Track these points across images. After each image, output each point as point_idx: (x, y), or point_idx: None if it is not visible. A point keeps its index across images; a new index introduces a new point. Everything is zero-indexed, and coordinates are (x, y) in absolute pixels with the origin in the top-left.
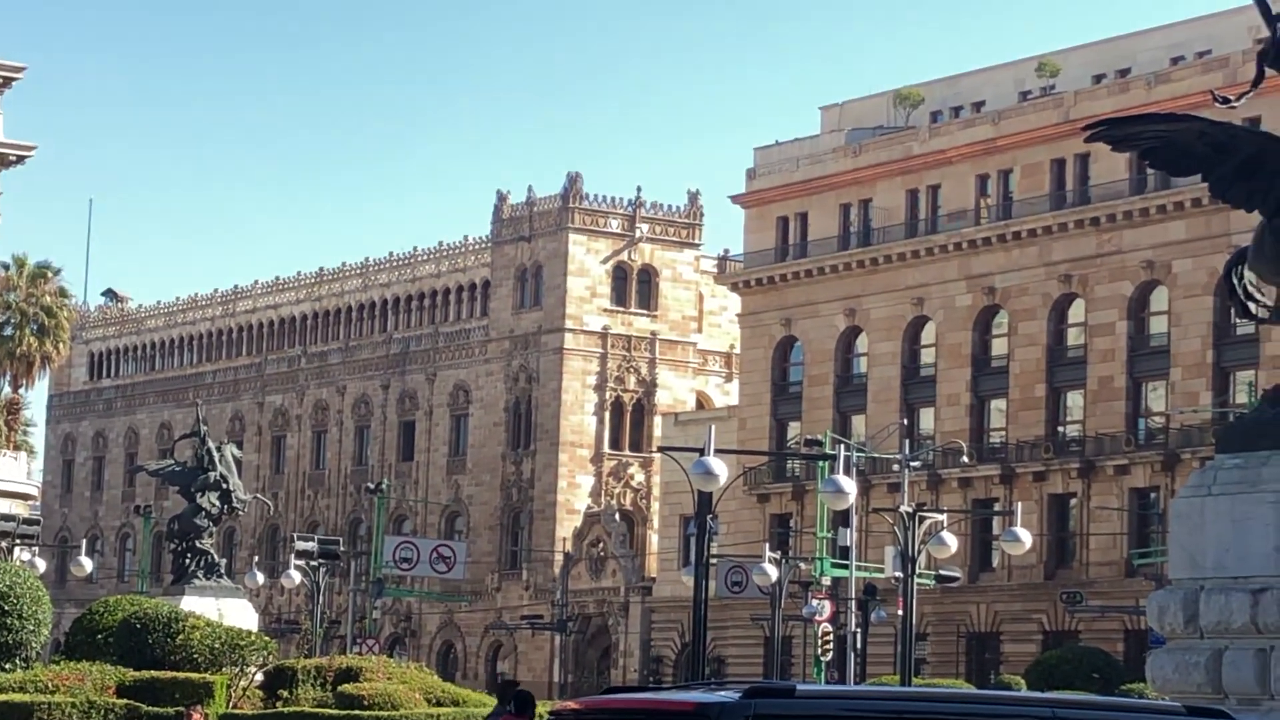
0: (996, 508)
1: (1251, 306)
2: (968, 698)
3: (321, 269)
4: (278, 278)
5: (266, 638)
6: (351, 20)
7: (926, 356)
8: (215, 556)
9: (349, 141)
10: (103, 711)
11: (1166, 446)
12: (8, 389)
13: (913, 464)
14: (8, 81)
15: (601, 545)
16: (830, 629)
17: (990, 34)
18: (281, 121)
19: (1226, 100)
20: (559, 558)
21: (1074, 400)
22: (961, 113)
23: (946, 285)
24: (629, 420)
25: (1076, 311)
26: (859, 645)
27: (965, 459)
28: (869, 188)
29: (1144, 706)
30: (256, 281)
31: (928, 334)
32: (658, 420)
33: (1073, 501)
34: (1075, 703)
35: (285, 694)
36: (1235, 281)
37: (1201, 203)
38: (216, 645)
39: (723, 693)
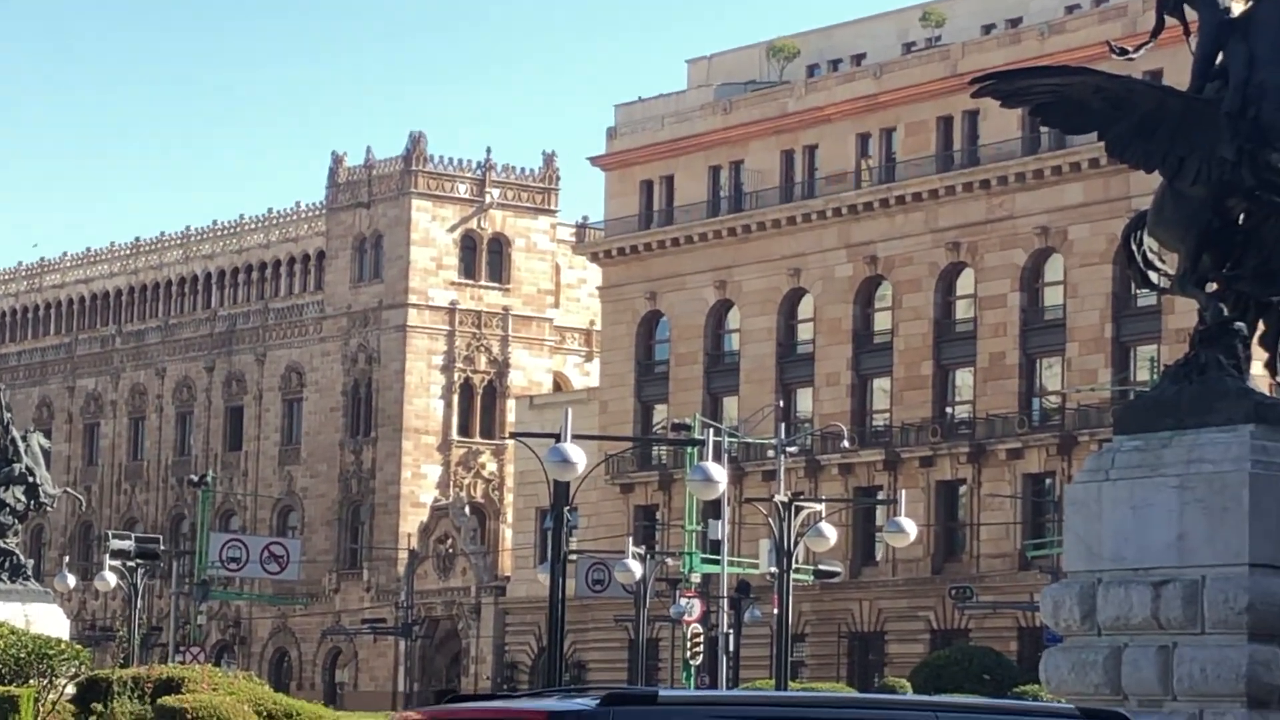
0: (880, 496)
1: (1152, 276)
2: (848, 702)
3: (138, 239)
4: (89, 249)
5: (78, 646)
6: None
7: (804, 332)
8: (21, 557)
9: (168, 97)
10: None
11: (1063, 428)
12: None
13: (789, 450)
14: None
15: (450, 541)
16: (700, 630)
17: None
18: (91, 74)
19: (1124, 52)
20: (403, 555)
21: (963, 379)
22: (840, 66)
23: (825, 255)
24: (479, 404)
25: (965, 282)
26: (731, 647)
27: (846, 444)
28: (740, 148)
29: (1036, 710)
30: (65, 254)
31: (805, 308)
32: (511, 404)
33: (962, 489)
34: (962, 706)
35: (99, 708)
36: (1135, 249)
37: (1099, 164)
38: (22, 655)
39: (579, 700)
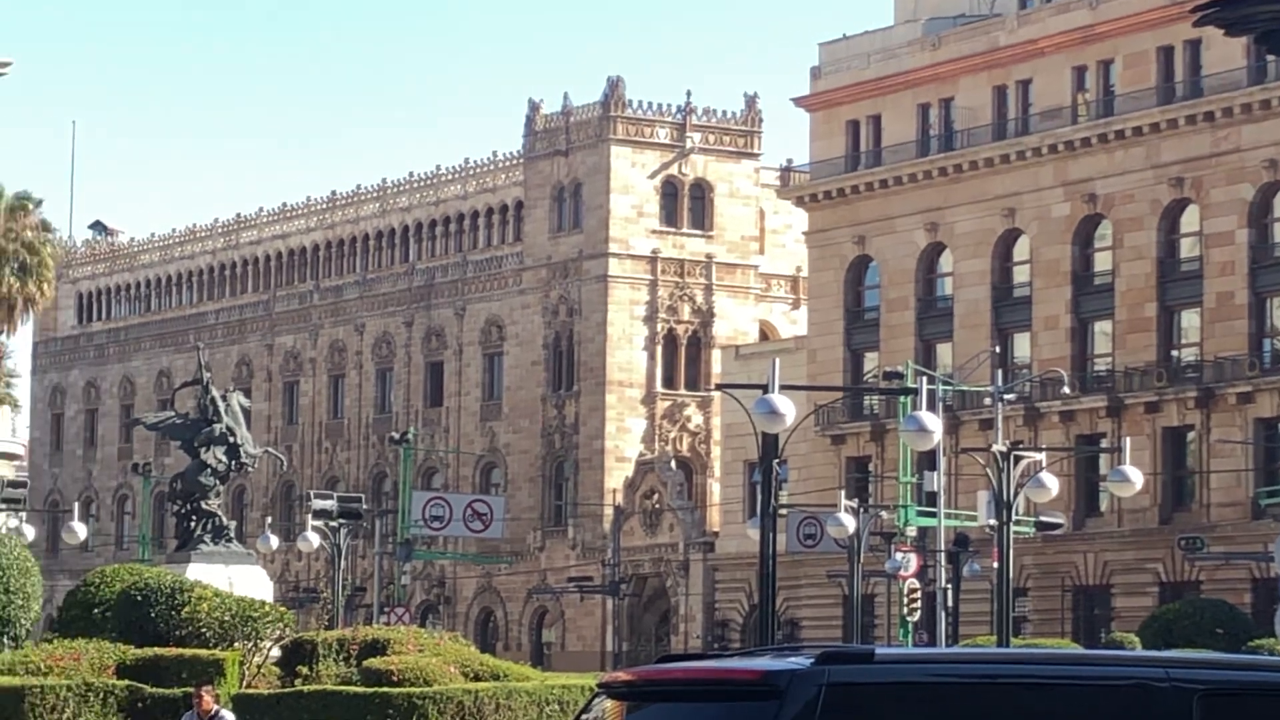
0: (1103, 444)
1: None
2: (1074, 659)
3: (334, 193)
4: (285, 204)
5: (283, 608)
6: None
7: (1020, 275)
8: (223, 519)
9: (362, 51)
10: (101, 694)
11: None
12: None
13: (1007, 397)
14: None
15: (656, 497)
16: (917, 585)
17: None
18: (287, 31)
19: None
20: (609, 512)
21: (1189, 320)
22: None
23: (1041, 194)
24: (684, 355)
25: (1190, 219)
26: (950, 603)
27: (1066, 390)
28: (950, 85)
29: (1272, 664)
30: (262, 209)
31: (1021, 249)
32: (716, 354)
33: (1190, 435)
34: (1196, 662)
35: (305, 670)
36: None
37: None
38: (227, 618)
39: (794, 659)
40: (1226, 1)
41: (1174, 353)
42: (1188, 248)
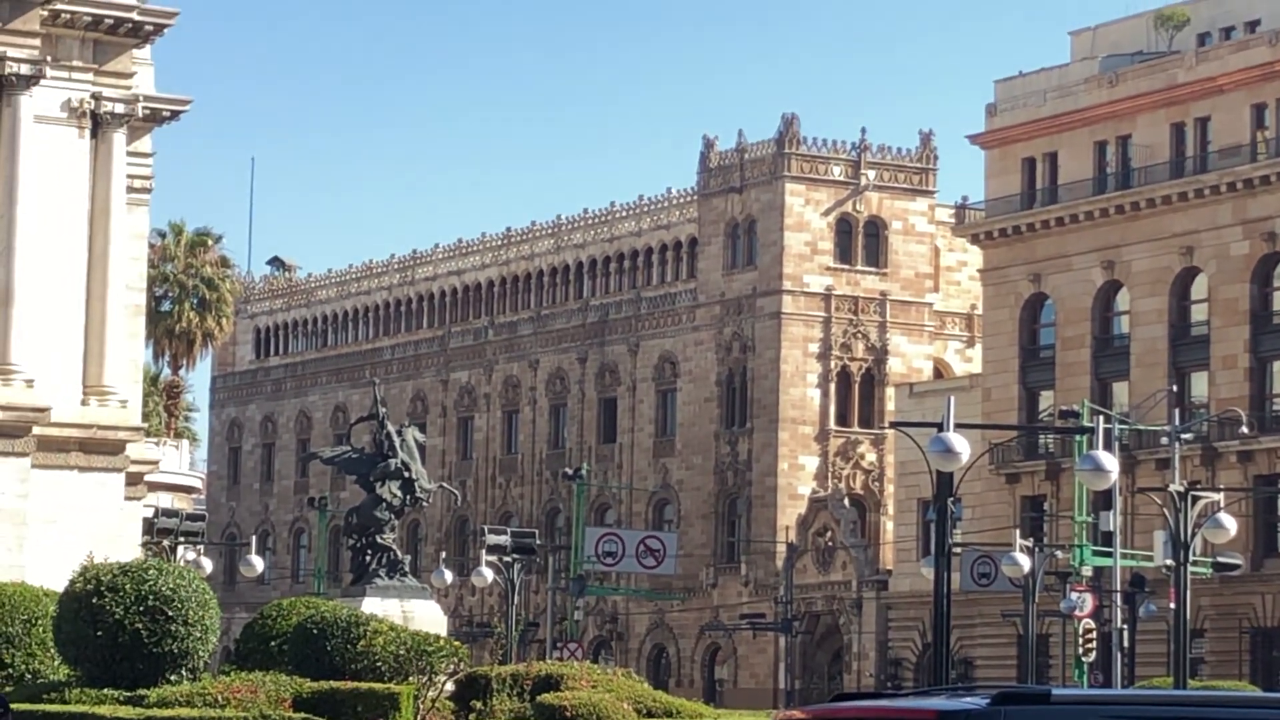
0: None
1: None
2: (1252, 702)
3: (509, 230)
4: (461, 240)
5: (457, 643)
6: None
7: (1198, 313)
8: (398, 553)
9: (538, 87)
10: None
11: None
12: (167, 370)
13: (1184, 436)
14: (159, 29)
15: (829, 534)
16: (1092, 625)
17: None
18: (461, 67)
19: None
20: (781, 549)
21: None
22: (1233, 34)
23: (1219, 231)
24: (857, 392)
25: None
26: (1126, 644)
27: (1245, 429)
28: (1128, 122)
29: None
30: (437, 245)
31: (1199, 287)
32: (890, 392)
33: None
34: None
35: (479, 705)
36: None
37: None
38: (402, 652)
39: (969, 699)
40: None
41: None
42: None
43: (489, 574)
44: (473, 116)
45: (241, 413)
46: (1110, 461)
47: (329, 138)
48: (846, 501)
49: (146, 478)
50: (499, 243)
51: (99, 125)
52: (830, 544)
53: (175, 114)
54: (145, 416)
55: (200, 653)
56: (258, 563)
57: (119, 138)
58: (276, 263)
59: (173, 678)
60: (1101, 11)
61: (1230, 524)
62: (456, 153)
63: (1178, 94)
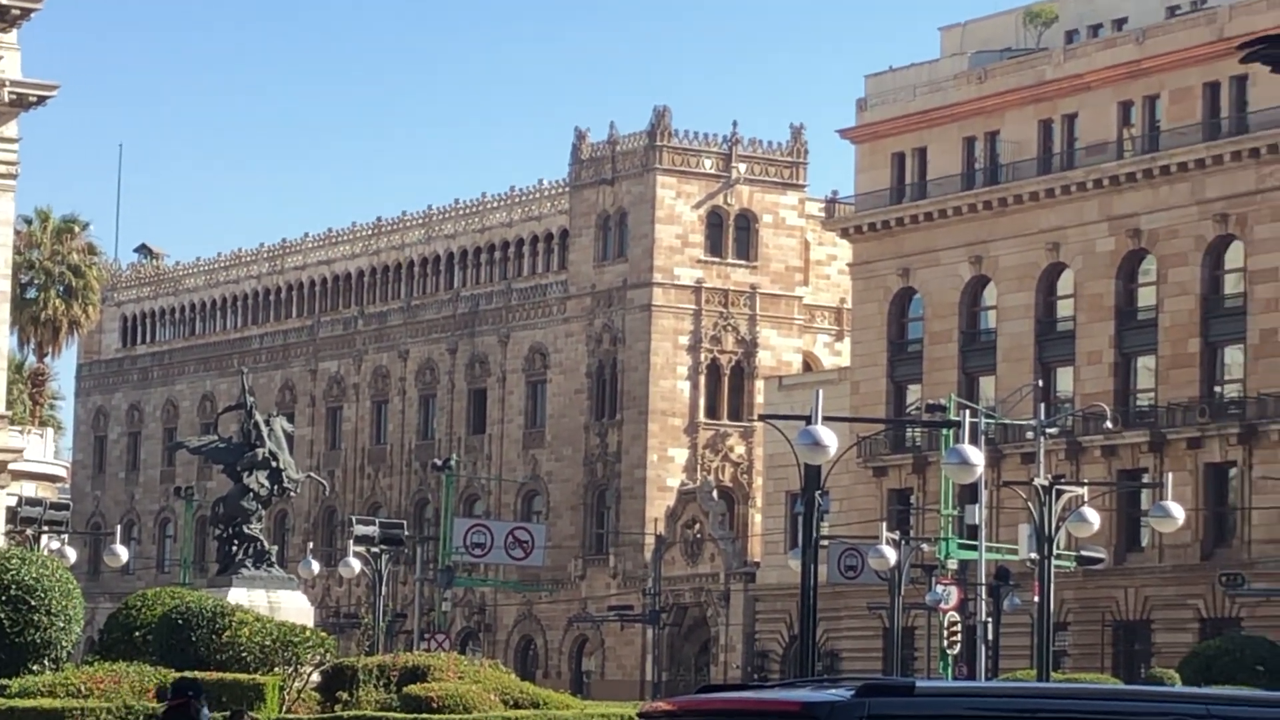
0: (1145, 479)
1: None
2: (1113, 694)
3: (379, 219)
4: (331, 230)
5: (323, 634)
6: None
7: (1064, 309)
8: (265, 543)
9: (410, 78)
10: (141, 717)
11: None
12: (32, 358)
13: (1049, 431)
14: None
15: (698, 526)
16: (957, 618)
17: None
18: (335, 58)
19: None
20: (650, 541)
21: (1233, 356)
22: (1101, 31)
23: (1086, 228)
24: (727, 385)
25: (1234, 255)
26: (990, 636)
27: (1109, 424)
28: (996, 118)
29: None
30: (307, 235)
31: (1065, 283)
32: (759, 385)
33: (1232, 471)
34: (1236, 699)
35: (345, 696)
36: None
37: None
38: (268, 643)
39: (834, 691)
40: (1273, 39)
41: (1217, 389)
42: (1231, 284)
43: (356, 565)
44: (344, 106)
45: (107, 401)
46: (976, 455)
47: (198, 125)
48: (715, 494)
49: (10, 466)
50: (369, 232)
51: None
52: (698, 536)
53: (42, 99)
54: (9, 404)
55: (63, 643)
56: (122, 552)
57: None
58: (144, 250)
59: (35, 668)
60: (971, 8)
61: (1094, 518)
62: (327, 142)
63: (1046, 91)
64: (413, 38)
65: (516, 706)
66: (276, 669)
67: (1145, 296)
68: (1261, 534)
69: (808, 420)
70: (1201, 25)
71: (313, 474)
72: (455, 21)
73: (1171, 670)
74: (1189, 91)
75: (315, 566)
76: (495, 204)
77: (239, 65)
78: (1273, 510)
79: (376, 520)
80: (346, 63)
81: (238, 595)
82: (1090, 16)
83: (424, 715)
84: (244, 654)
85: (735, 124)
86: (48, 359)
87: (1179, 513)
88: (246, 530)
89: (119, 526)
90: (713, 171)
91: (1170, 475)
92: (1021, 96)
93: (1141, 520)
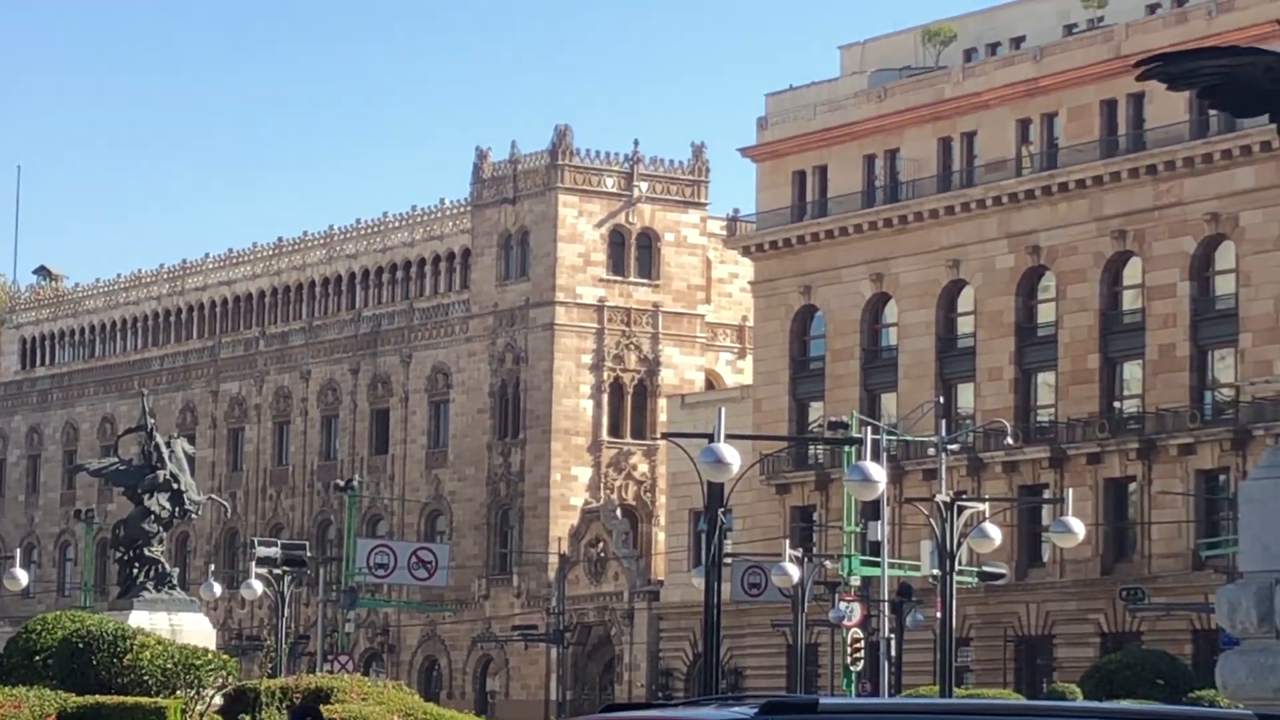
0: (1046, 495)
1: None
2: (1015, 709)
3: (280, 240)
4: (231, 251)
5: (225, 656)
6: None
7: (964, 326)
8: (167, 566)
9: (308, 97)
10: None
11: (1236, 422)
12: None
13: (950, 447)
14: None
15: (601, 545)
16: (860, 635)
17: None
18: (233, 77)
19: None
20: (554, 560)
21: (1131, 372)
22: (999, 50)
23: (985, 245)
24: (630, 404)
25: (1132, 272)
26: (893, 653)
27: (1010, 440)
28: (896, 136)
29: (1212, 716)
30: (208, 255)
31: (965, 300)
32: (662, 403)
33: (1132, 487)
34: (1137, 713)
35: (247, 719)
36: None
37: (1271, 146)
38: (169, 665)
39: (737, 709)
40: (1169, 57)
41: (1116, 404)
42: (1130, 300)
43: (259, 586)
44: (243, 125)
45: (6, 424)
46: (878, 472)
47: (97, 146)
48: (618, 512)
49: None
50: (270, 253)
51: None
52: (602, 555)
53: None
54: None
55: None
56: (22, 576)
57: None
58: (43, 272)
59: None
60: (870, 26)
61: (995, 534)
62: (227, 161)
63: (945, 109)
64: (312, 57)
65: None
66: (178, 692)
67: (1045, 313)
68: (1161, 548)
69: (710, 438)
70: (1099, 43)
71: (214, 496)
72: (356, 41)
73: (1073, 685)
74: (1086, 109)
75: (217, 589)
76: (397, 223)
77: (138, 86)
78: (1172, 525)
79: (279, 542)
80: (247, 84)
81: (139, 618)
82: (988, 35)
83: None
84: (145, 677)
85: (637, 143)
86: None
87: (1079, 528)
88: (148, 553)
89: (18, 550)
90: (614, 190)
91: (1070, 491)
92: (921, 115)
93: (1042, 536)
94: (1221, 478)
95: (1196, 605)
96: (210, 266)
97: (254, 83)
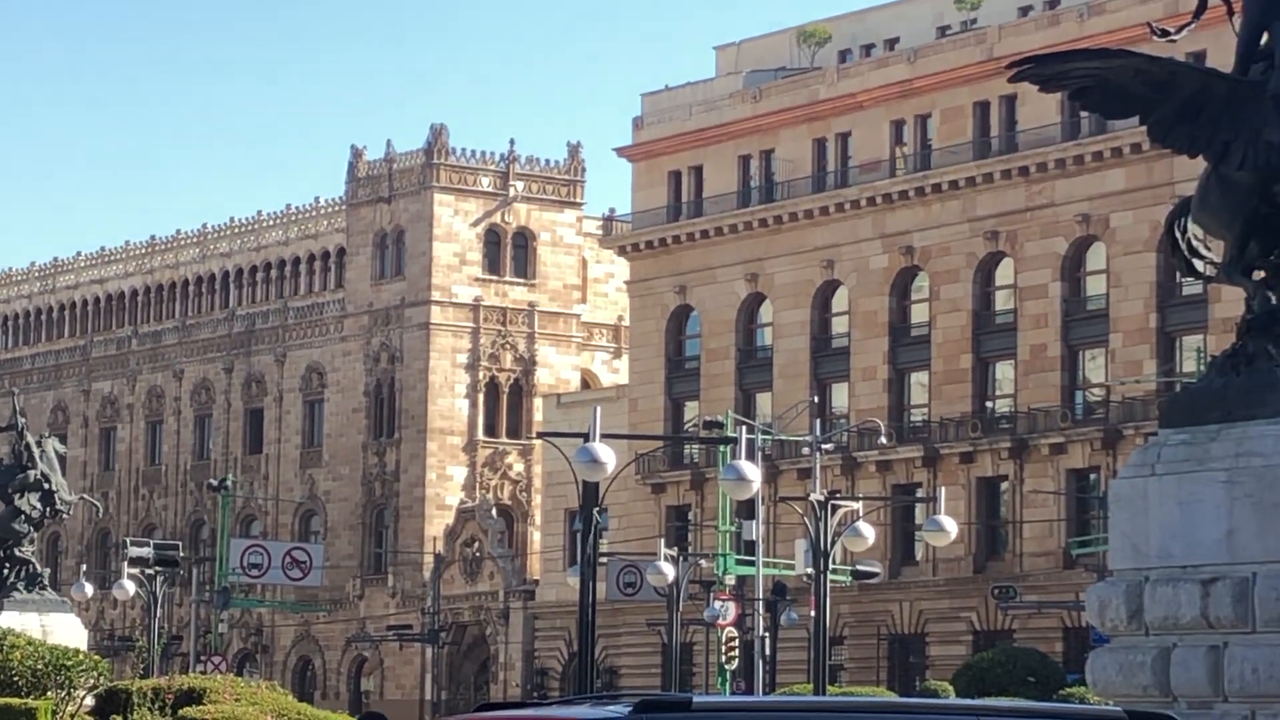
0: (919, 494)
1: (1197, 264)
2: (888, 707)
3: (153, 238)
4: (104, 249)
5: (97, 657)
6: None
7: (838, 325)
8: (37, 566)
9: (182, 93)
10: None
11: (1107, 422)
12: None
13: (825, 447)
14: None
15: (477, 545)
16: (735, 633)
17: None
18: (106, 72)
19: (1166, 33)
20: (429, 560)
21: (1004, 372)
22: (873, 51)
23: (859, 245)
24: (505, 403)
25: (1005, 273)
26: (767, 651)
27: (883, 440)
28: (771, 137)
29: (1082, 713)
30: (80, 253)
31: (839, 300)
32: (538, 402)
33: (1004, 485)
34: (1008, 710)
35: (119, 719)
36: (1179, 236)
37: (1142, 149)
38: (39, 666)
39: (612, 708)
40: (1041, 59)
41: (988, 404)
42: (1002, 300)
43: (131, 587)
44: (116, 122)
45: None
46: (753, 471)
47: None
48: (494, 512)
49: None
50: (143, 251)
51: None
52: (477, 554)
53: None
54: None
55: None
56: None
57: None
58: None
59: None
60: (746, 27)
61: (869, 532)
62: (99, 160)
63: (819, 109)
64: (186, 54)
65: None
66: (49, 693)
67: (918, 313)
68: (1032, 547)
69: (586, 438)
70: (971, 45)
71: (86, 496)
72: (229, 38)
73: (945, 682)
74: (959, 110)
75: (89, 589)
76: (271, 222)
77: (7, 81)
78: (1043, 524)
79: (151, 542)
80: (118, 79)
81: (9, 619)
82: (863, 36)
83: None
84: (15, 678)
85: (513, 142)
86: None
87: (952, 527)
88: (18, 553)
89: None
90: (490, 190)
91: (943, 490)
92: (796, 115)
93: (915, 534)
94: (1092, 477)
95: (1067, 603)
96: (82, 265)
97: (126, 78)
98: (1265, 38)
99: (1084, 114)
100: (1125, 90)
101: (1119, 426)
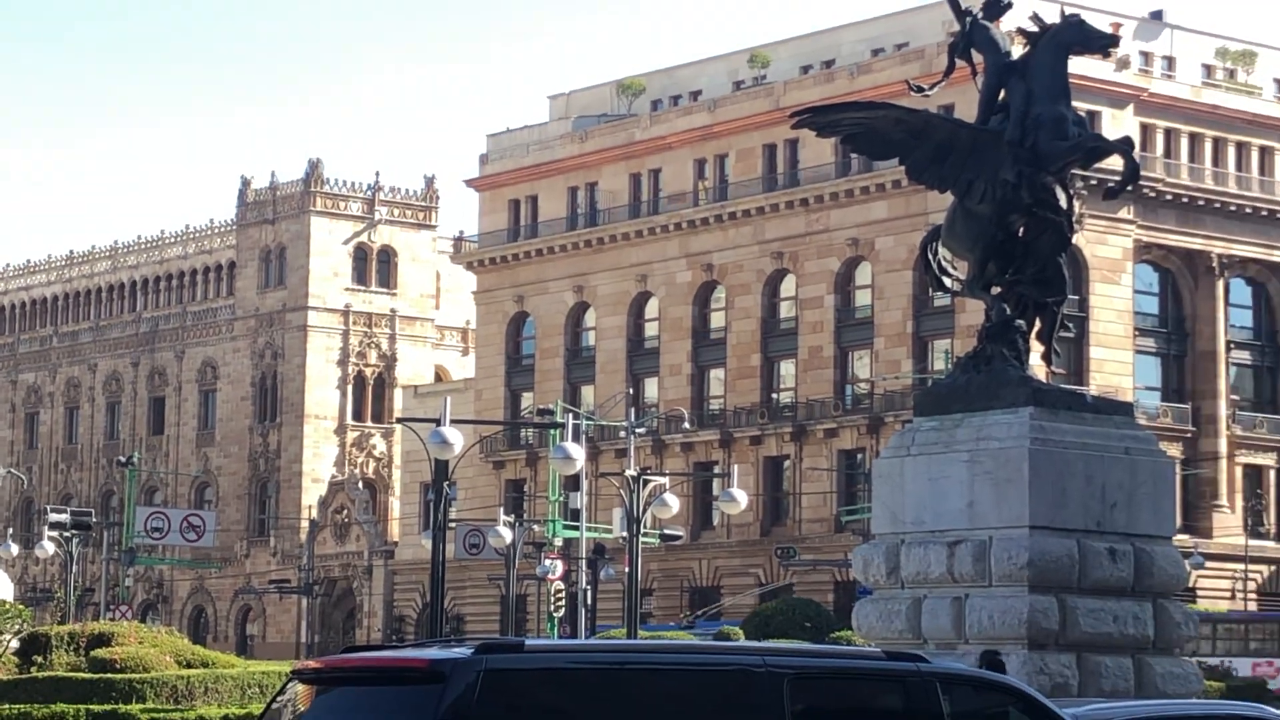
0: (716, 470)
1: (946, 280)
2: (689, 649)
3: (72, 252)
4: (29, 261)
5: (21, 606)
6: None
7: (650, 330)
8: None
9: (100, 126)
10: None
11: (871, 411)
12: None
13: (638, 431)
14: None
15: (346, 512)
16: (562, 587)
17: (705, 27)
18: (25, 97)
19: (921, 89)
20: (305, 525)
21: (786, 369)
22: (680, 101)
23: (668, 263)
24: (370, 393)
25: (788, 286)
26: (589, 601)
27: (687, 425)
28: (595, 172)
29: (848, 653)
30: (8, 265)
31: (651, 308)
32: (398, 393)
33: (786, 463)
34: (787, 651)
35: (39, 660)
36: (931, 257)
37: (901, 184)
38: None
39: (458, 649)
40: (819, 109)
41: (774, 395)
42: (786, 309)
43: (51, 547)
44: (38, 142)
45: None
46: (578, 451)
47: None
48: (360, 484)
49: None
50: (62, 263)
51: None
52: (346, 520)
53: None
54: None
55: None
56: None
57: None
58: None
59: None
60: (574, 79)
61: (674, 502)
62: (24, 182)
63: (635, 149)
64: (98, 92)
65: (189, 666)
66: None
67: (716, 319)
68: (810, 514)
69: (438, 423)
70: (761, 97)
71: (13, 470)
72: (136, 74)
73: (737, 628)
74: (752, 151)
75: (14, 549)
76: (172, 239)
77: None
78: (818, 495)
79: (69, 509)
80: (41, 107)
81: None
82: (672, 88)
83: (108, 675)
84: None
85: (378, 174)
86: None
87: (743, 498)
88: None
89: None
90: (359, 214)
91: (736, 467)
92: (615, 154)
93: (713, 504)
94: (859, 456)
95: (838, 562)
96: (10, 274)
97: (54, 119)
98: (1002, 94)
99: (853, 155)
100: (887, 137)
101: (881, 415)
